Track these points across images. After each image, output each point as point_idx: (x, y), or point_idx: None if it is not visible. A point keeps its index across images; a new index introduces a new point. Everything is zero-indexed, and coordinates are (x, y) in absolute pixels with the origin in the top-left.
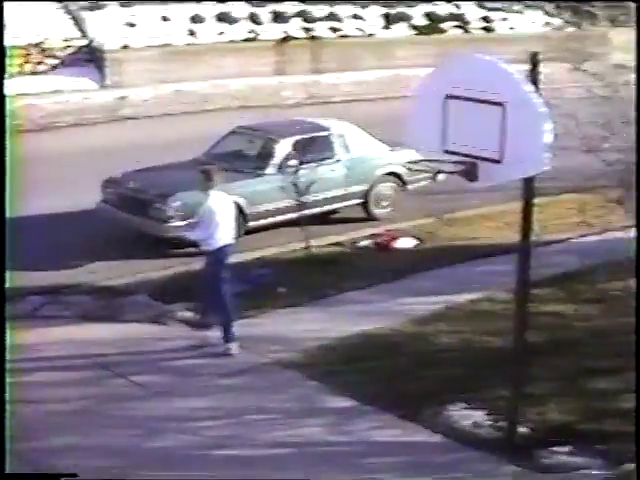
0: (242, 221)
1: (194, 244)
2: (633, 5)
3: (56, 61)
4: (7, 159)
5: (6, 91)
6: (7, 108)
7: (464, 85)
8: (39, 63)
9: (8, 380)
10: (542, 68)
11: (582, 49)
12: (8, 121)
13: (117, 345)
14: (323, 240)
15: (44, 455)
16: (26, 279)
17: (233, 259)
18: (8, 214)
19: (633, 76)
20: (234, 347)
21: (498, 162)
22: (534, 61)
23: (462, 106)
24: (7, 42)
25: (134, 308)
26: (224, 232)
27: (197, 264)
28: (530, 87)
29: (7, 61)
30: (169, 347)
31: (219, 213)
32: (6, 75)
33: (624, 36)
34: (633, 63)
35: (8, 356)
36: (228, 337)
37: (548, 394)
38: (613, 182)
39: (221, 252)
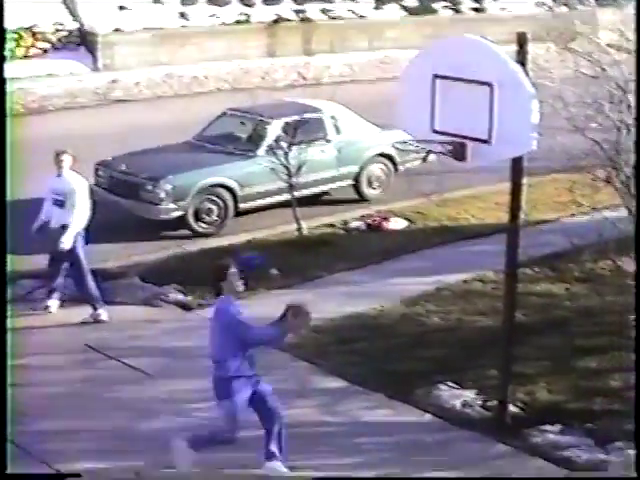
0: (233, 203)
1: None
2: None
3: (47, 45)
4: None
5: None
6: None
7: (453, 66)
8: (30, 47)
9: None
10: (530, 48)
11: (570, 29)
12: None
13: (110, 328)
14: (314, 222)
15: (36, 438)
16: (18, 263)
17: (222, 241)
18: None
19: (620, 56)
20: (103, 314)
21: (487, 142)
22: (521, 41)
23: (451, 86)
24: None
25: (126, 291)
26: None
27: (190, 246)
28: (518, 67)
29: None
30: (161, 329)
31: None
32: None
33: (612, 16)
34: (620, 42)
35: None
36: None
37: (538, 373)
38: (601, 161)
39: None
